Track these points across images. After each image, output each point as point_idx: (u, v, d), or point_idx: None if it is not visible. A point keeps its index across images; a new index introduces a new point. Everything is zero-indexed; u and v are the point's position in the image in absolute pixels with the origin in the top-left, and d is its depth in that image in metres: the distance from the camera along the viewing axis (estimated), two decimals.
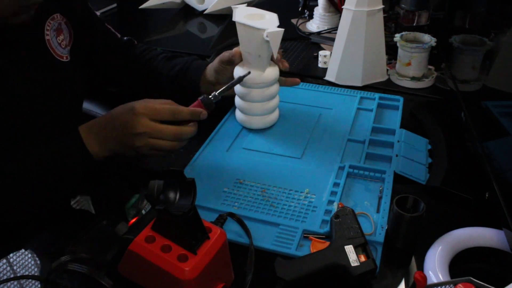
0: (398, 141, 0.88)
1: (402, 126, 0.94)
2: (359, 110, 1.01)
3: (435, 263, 0.62)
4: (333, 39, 1.15)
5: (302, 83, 1.12)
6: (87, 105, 1.09)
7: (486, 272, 0.66)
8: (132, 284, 0.58)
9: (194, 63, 0.96)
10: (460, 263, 0.64)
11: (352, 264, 0.60)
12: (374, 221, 0.71)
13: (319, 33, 1.40)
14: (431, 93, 1.10)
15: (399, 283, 0.64)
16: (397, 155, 0.84)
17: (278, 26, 0.82)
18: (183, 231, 0.54)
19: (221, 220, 0.69)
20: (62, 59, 0.80)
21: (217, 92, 0.79)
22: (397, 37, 1.11)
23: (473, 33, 1.06)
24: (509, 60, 0.91)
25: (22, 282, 0.62)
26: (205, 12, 1.51)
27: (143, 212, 0.71)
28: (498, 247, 0.66)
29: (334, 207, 0.73)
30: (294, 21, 1.48)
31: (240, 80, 0.84)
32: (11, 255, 0.66)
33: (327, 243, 0.66)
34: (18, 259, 0.66)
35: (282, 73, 0.91)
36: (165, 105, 0.74)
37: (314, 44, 1.35)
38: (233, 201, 0.76)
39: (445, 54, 1.13)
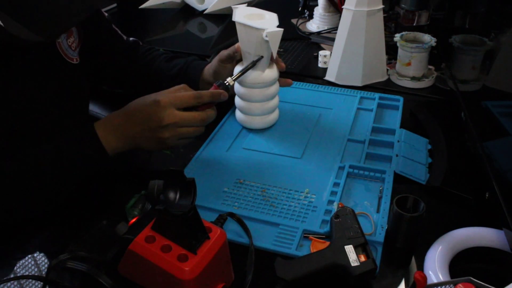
0: (398, 141, 0.88)
1: (402, 126, 0.94)
2: (359, 110, 1.01)
3: (435, 263, 0.62)
4: (333, 39, 1.15)
5: (302, 83, 1.12)
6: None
7: (486, 272, 0.66)
8: (132, 284, 0.58)
9: (193, 64, 0.97)
10: (460, 263, 0.64)
11: (352, 264, 0.60)
12: (374, 221, 0.71)
13: (319, 33, 1.40)
14: (431, 93, 1.10)
15: (399, 283, 0.64)
16: (397, 155, 0.84)
17: (278, 26, 0.82)
18: (183, 231, 0.54)
19: (221, 220, 0.69)
20: (72, 61, 0.80)
21: (233, 77, 0.81)
22: (397, 37, 1.11)
23: (473, 33, 1.06)
24: (509, 60, 0.90)
25: (22, 282, 0.62)
26: (205, 12, 1.51)
27: (143, 212, 0.71)
28: (498, 247, 0.66)
29: (334, 207, 0.73)
30: (294, 21, 1.48)
31: (254, 64, 0.84)
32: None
33: (327, 243, 0.66)
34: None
35: (279, 73, 0.91)
36: (185, 91, 0.76)
37: (314, 44, 1.35)
38: (233, 201, 0.76)
39: (445, 54, 1.13)
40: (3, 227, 0.68)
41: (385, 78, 1.15)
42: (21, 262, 0.65)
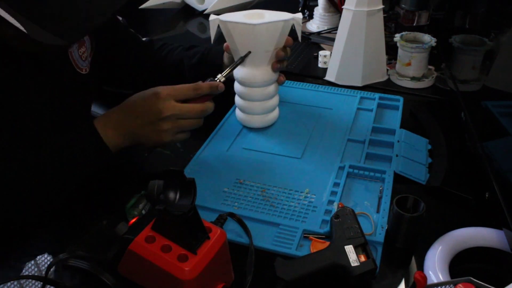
0: (398, 141, 0.88)
1: (402, 126, 0.94)
2: (359, 110, 1.01)
3: (435, 263, 0.62)
4: (333, 39, 1.15)
5: (302, 83, 1.12)
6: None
7: (486, 272, 0.66)
8: (132, 284, 0.58)
9: (213, 49, 0.97)
10: (460, 263, 0.64)
11: (352, 264, 0.60)
12: (374, 221, 0.71)
13: (319, 33, 1.40)
14: (431, 93, 1.10)
15: (399, 283, 0.64)
16: (397, 155, 0.84)
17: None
18: (183, 231, 0.54)
19: (221, 220, 0.69)
20: (81, 72, 0.80)
21: (223, 74, 0.80)
22: (397, 37, 1.11)
23: (473, 33, 1.06)
24: (509, 60, 0.90)
25: (22, 282, 0.62)
26: (205, 12, 1.51)
27: (143, 212, 0.71)
28: (498, 247, 0.66)
29: (334, 207, 0.73)
30: None
31: (242, 60, 0.84)
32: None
33: (327, 243, 0.66)
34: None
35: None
36: (184, 84, 0.76)
37: (314, 44, 1.35)
38: (233, 201, 0.76)
39: (445, 54, 1.13)
40: (4, 227, 0.68)
41: (385, 78, 1.15)
42: (21, 262, 0.65)
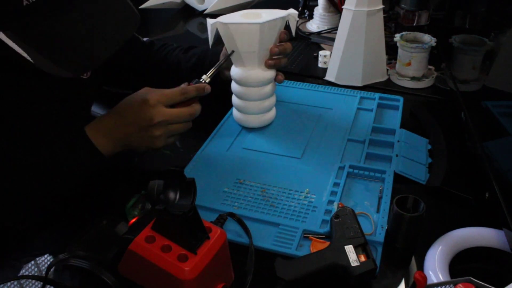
0: (398, 141, 0.88)
1: (402, 126, 0.94)
2: (359, 110, 1.01)
3: (435, 263, 0.62)
4: (333, 39, 1.15)
5: (302, 83, 1.12)
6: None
7: (486, 272, 0.66)
8: (132, 284, 0.57)
9: (210, 51, 0.98)
10: (460, 263, 0.64)
11: (352, 264, 0.60)
12: (374, 221, 0.71)
13: (319, 33, 1.40)
14: (431, 93, 1.10)
15: (399, 283, 0.64)
16: (397, 155, 0.84)
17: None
18: (183, 231, 0.54)
19: (221, 220, 0.69)
20: (82, 76, 0.80)
21: (207, 74, 0.82)
22: (397, 37, 1.11)
23: (473, 33, 1.06)
24: (509, 60, 0.90)
25: (22, 282, 0.62)
26: (205, 12, 1.51)
27: (143, 212, 0.71)
28: (498, 247, 0.66)
29: (334, 207, 0.73)
30: None
31: (226, 58, 0.86)
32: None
33: (327, 243, 0.66)
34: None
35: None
36: (171, 89, 0.77)
37: (314, 44, 1.35)
38: (233, 201, 0.76)
39: (445, 54, 1.13)
40: (2, 229, 0.68)
41: (385, 78, 1.15)
42: (21, 262, 0.65)
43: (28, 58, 0.61)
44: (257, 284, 0.61)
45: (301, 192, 0.78)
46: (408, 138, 0.89)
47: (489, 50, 1.01)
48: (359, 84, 1.12)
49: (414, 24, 1.24)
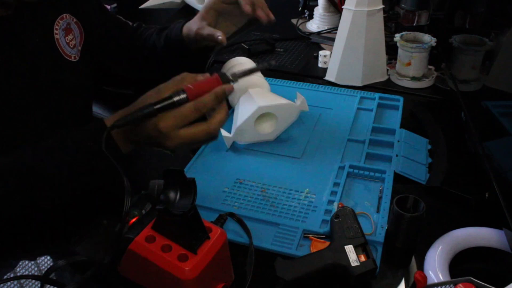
0: (398, 141, 0.88)
1: (402, 126, 0.94)
2: (359, 110, 1.01)
3: (435, 263, 0.62)
4: (333, 39, 1.15)
5: (302, 83, 1.12)
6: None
7: (486, 272, 0.66)
8: (132, 284, 0.57)
9: (173, 26, 0.92)
10: (460, 263, 0.64)
11: (352, 264, 0.60)
12: (374, 221, 0.71)
13: (319, 33, 1.40)
14: (431, 93, 1.10)
15: (399, 283, 0.64)
16: (397, 155, 0.84)
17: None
18: (183, 231, 0.54)
19: (221, 220, 0.69)
20: (70, 59, 0.80)
21: (238, 71, 0.67)
22: (397, 37, 1.11)
23: (473, 33, 1.06)
24: (509, 60, 0.91)
25: (22, 281, 0.62)
26: None
27: (143, 212, 0.71)
28: (498, 247, 0.66)
29: (334, 207, 0.73)
30: (294, 21, 1.48)
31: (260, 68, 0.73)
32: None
33: (327, 243, 0.66)
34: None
35: (270, 70, 0.91)
36: (185, 106, 0.64)
37: (314, 44, 1.35)
38: (233, 201, 0.76)
39: (445, 54, 1.13)
40: (12, 225, 0.66)
41: (385, 78, 1.15)
42: (21, 262, 0.65)
43: None
44: (257, 284, 0.62)
45: (301, 192, 0.78)
46: (408, 138, 0.89)
47: (489, 50, 1.01)
48: (359, 84, 1.12)
49: (414, 24, 1.24)
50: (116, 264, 0.57)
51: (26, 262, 0.65)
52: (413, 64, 1.11)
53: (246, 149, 0.89)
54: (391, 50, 1.18)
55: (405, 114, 0.99)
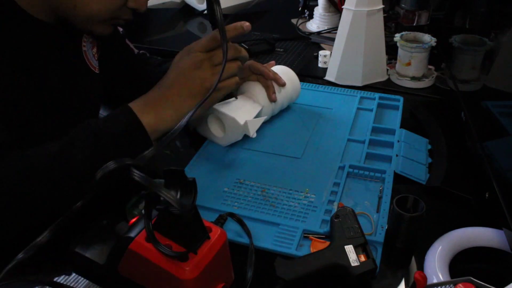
0: (398, 141, 0.88)
1: (402, 126, 0.94)
2: (359, 110, 1.01)
3: (435, 263, 0.62)
4: (333, 39, 1.15)
5: (302, 83, 1.12)
6: None
7: (486, 272, 0.66)
8: (132, 284, 0.58)
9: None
10: (460, 263, 0.64)
11: (352, 264, 0.60)
12: (374, 221, 0.71)
13: (319, 33, 1.40)
14: (431, 93, 1.10)
15: (399, 283, 0.64)
16: (397, 155, 0.84)
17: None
18: (183, 230, 0.54)
19: (221, 220, 0.69)
20: (95, 71, 0.81)
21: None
22: (397, 37, 1.11)
23: (473, 33, 1.06)
24: (509, 60, 0.91)
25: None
26: (205, 12, 1.51)
27: (143, 212, 0.71)
28: (498, 247, 0.66)
29: (334, 207, 0.73)
30: (294, 21, 1.48)
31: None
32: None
33: (327, 243, 0.66)
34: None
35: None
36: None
37: (314, 44, 1.35)
38: (233, 201, 0.76)
39: (445, 54, 1.13)
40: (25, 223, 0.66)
41: (385, 78, 1.15)
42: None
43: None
44: (257, 284, 0.61)
45: (301, 192, 0.78)
46: (408, 138, 0.89)
47: (489, 50, 1.01)
48: (359, 84, 1.12)
49: (414, 24, 1.24)
50: (116, 264, 0.57)
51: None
52: (413, 64, 1.11)
53: (246, 149, 0.89)
54: (391, 50, 1.18)
55: (405, 114, 0.99)
